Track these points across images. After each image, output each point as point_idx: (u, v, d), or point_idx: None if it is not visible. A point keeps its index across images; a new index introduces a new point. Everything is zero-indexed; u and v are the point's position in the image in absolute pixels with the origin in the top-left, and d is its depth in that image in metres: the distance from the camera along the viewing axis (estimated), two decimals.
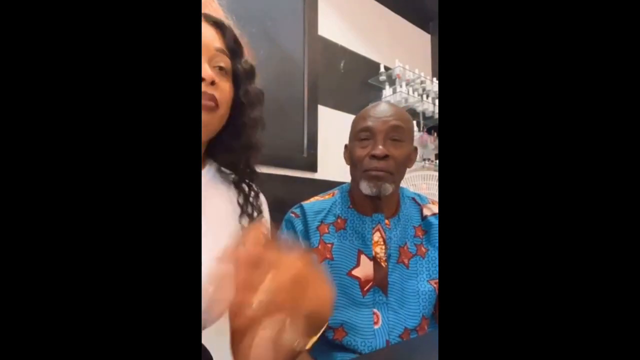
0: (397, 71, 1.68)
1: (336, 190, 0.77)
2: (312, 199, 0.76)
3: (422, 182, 1.43)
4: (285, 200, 0.92)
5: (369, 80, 1.72)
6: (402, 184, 1.34)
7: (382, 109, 0.69)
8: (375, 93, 1.73)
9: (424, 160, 1.73)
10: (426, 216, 0.74)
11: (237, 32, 0.50)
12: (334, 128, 1.55)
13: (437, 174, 1.43)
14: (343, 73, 1.64)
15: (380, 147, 0.65)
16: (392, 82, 1.71)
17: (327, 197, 0.75)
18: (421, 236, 0.73)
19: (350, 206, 0.73)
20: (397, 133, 0.67)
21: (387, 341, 0.63)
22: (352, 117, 1.71)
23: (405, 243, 0.70)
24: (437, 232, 0.72)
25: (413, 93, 1.69)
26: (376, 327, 0.64)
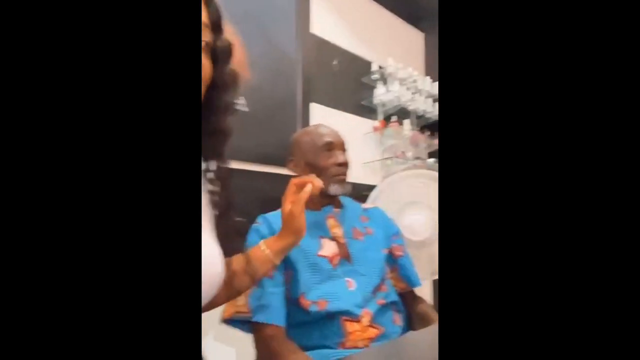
0: (389, 70, 1.68)
1: None
2: (270, 213, 0.89)
3: (415, 180, 1.44)
4: (277, 198, 0.92)
5: (362, 79, 1.72)
6: (397, 181, 1.34)
7: (330, 129, 0.90)
8: (368, 91, 1.73)
9: (416, 159, 1.74)
10: (366, 208, 0.96)
11: (219, 6, 0.48)
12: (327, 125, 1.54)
13: (428, 172, 1.44)
14: (336, 71, 1.63)
15: (343, 157, 0.86)
16: (384, 80, 1.71)
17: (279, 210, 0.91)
18: (366, 221, 0.91)
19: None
20: (344, 146, 0.90)
21: (364, 296, 0.77)
22: (346, 115, 1.67)
23: (355, 226, 0.88)
24: (379, 218, 0.94)
25: (406, 91, 1.69)
26: (351, 289, 0.79)
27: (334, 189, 0.84)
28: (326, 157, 0.85)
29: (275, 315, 0.74)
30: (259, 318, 0.73)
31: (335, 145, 0.87)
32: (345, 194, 0.87)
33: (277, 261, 0.65)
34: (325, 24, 1.61)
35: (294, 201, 0.65)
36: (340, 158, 0.85)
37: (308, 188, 0.66)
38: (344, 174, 0.86)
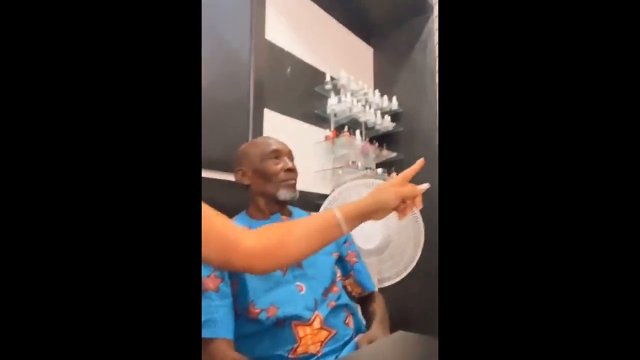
0: (342, 81, 1.72)
1: (235, 217, 0.94)
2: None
3: (366, 189, 1.48)
4: (227, 205, 0.88)
5: (315, 89, 1.74)
6: (348, 190, 1.36)
7: (275, 139, 0.94)
8: (320, 101, 1.76)
9: (366, 169, 1.79)
10: None
11: None
12: (280, 132, 1.53)
13: (379, 182, 1.48)
14: (290, 79, 1.63)
15: (291, 163, 0.89)
16: (337, 91, 1.75)
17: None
18: None
19: (250, 218, 0.91)
20: (291, 155, 0.93)
21: (315, 299, 0.78)
22: (299, 122, 1.67)
23: None
24: None
25: (357, 103, 1.74)
26: (301, 293, 0.79)
27: (283, 193, 0.87)
28: (274, 164, 0.88)
29: (221, 329, 0.71)
30: (205, 334, 0.69)
31: (283, 153, 0.90)
32: (294, 199, 0.90)
33: (347, 228, 0.57)
34: (280, 31, 1.61)
35: (398, 184, 0.60)
36: (288, 164, 0.89)
37: (424, 187, 0.61)
38: (293, 179, 0.89)
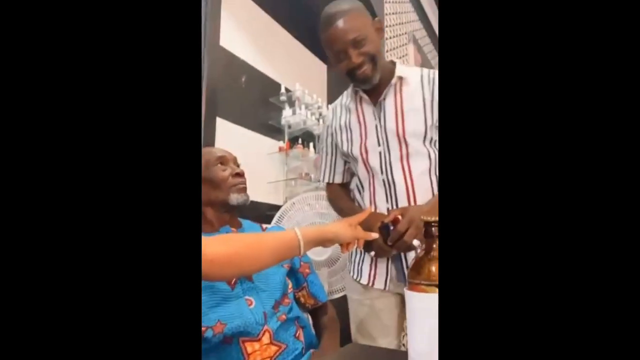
0: (297, 94, 1.74)
1: None
2: None
3: (315, 201, 1.49)
4: None
5: (270, 99, 1.73)
6: (301, 202, 1.36)
7: (219, 148, 0.92)
8: (275, 112, 1.75)
9: (319, 181, 1.81)
10: (266, 228, 0.97)
11: None
12: (233, 143, 1.49)
13: None
14: (244, 88, 1.61)
15: (239, 168, 0.88)
16: (291, 103, 1.76)
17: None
18: None
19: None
20: (237, 162, 0.93)
21: (265, 312, 0.76)
22: (252, 133, 1.64)
23: None
24: None
25: (311, 117, 1.77)
26: (251, 307, 0.76)
27: (234, 198, 0.85)
28: (221, 170, 0.87)
29: None
30: None
31: (228, 160, 0.89)
32: (246, 203, 0.88)
33: (303, 250, 0.65)
34: (235, 40, 1.59)
35: (354, 223, 0.73)
36: (236, 169, 0.88)
37: (373, 236, 0.75)
38: (243, 183, 0.87)
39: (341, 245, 0.73)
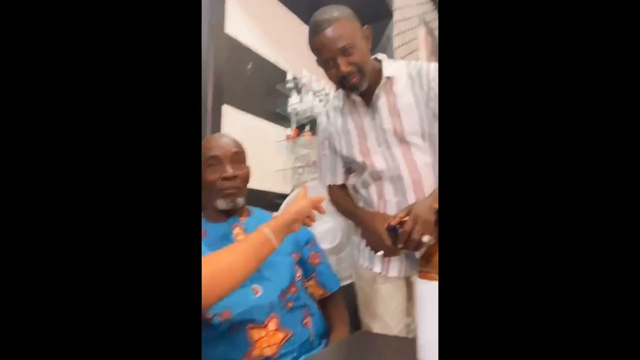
0: (304, 80, 1.71)
1: None
2: None
3: (323, 189, 1.48)
4: None
5: (277, 87, 1.71)
6: (310, 192, 1.35)
7: (222, 140, 0.87)
8: (282, 99, 1.73)
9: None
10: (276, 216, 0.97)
11: None
12: (239, 130, 1.48)
13: None
14: (250, 75, 1.59)
15: (230, 170, 0.82)
16: (298, 90, 1.74)
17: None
18: None
19: (207, 221, 0.87)
20: (238, 157, 0.86)
21: (271, 302, 0.76)
22: (259, 120, 1.63)
23: None
24: None
25: (319, 103, 1.74)
26: (257, 295, 0.77)
27: (220, 203, 0.83)
28: (211, 172, 0.83)
29: None
30: None
31: (222, 159, 0.83)
32: (234, 208, 0.85)
33: (276, 242, 0.67)
34: (241, 26, 1.56)
35: (306, 195, 0.75)
36: (227, 171, 0.82)
37: (320, 199, 0.76)
38: (231, 188, 0.83)
39: (304, 222, 0.74)
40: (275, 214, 0.72)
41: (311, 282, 0.92)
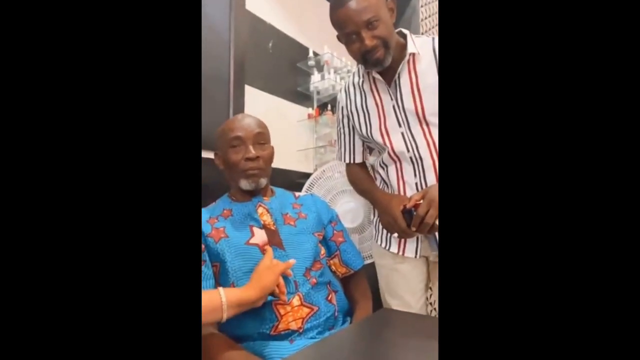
0: (325, 57, 1.67)
1: (218, 200, 0.94)
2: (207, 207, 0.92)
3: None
4: (207, 184, 0.85)
5: (298, 64, 1.69)
6: (331, 170, 1.35)
7: (245, 121, 0.88)
8: (303, 77, 1.71)
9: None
10: (299, 196, 0.99)
11: None
12: (261, 110, 1.48)
13: None
14: (271, 53, 1.57)
15: (252, 150, 0.85)
16: (320, 68, 1.71)
17: (210, 206, 0.93)
18: (298, 207, 0.93)
19: (232, 201, 0.91)
20: (261, 138, 0.88)
21: (295, 282, 0.78)
22: (281, 100, 1.62)
23: (287, 212, 0.90)
24: (312, 203, 0.96)
25: (340, 81, 1.71)
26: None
27: (244, 184, 0.86)
28: (234, 153, 0.85)
29: None
30: None
31: (245, 139, 0.85)
32: (257, 189, 0.87)
33: (227, 315, 0.64)
34: (262, 2, 1.53)
35: (272, 264, 0.73)
36: (250, 152, 0.84)
37: (289, 264, 0.75)
38: (255, 169, 0.85)
39: (273, 294, 0.73)
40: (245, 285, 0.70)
41: (335, 260, 0.94)
